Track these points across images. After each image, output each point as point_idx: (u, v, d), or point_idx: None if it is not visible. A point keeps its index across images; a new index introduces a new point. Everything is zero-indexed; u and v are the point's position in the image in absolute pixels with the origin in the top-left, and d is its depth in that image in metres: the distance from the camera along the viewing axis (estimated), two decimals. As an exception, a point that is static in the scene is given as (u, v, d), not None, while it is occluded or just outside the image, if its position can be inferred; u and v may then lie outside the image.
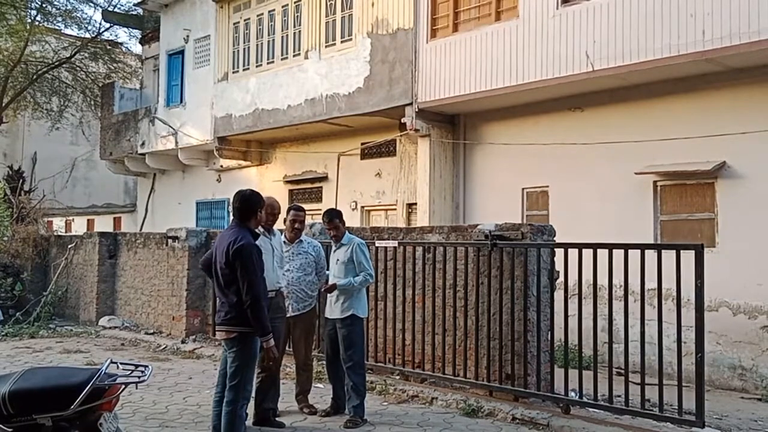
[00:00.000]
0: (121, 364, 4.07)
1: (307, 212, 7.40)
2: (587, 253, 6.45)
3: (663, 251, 6.09)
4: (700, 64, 9.39)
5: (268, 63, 15.62)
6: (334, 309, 6.61)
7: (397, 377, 8.01)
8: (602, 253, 6.36)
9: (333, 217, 6.70)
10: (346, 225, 6.93)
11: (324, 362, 7.06)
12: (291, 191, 16.44)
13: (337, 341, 6.58)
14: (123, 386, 3.88)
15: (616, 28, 9.88)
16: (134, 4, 21.14)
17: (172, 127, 18.07)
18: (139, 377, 3.90)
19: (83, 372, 3.91)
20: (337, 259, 6.65)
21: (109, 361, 3.99)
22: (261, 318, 4.92)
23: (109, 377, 3.83)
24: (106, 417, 3.80)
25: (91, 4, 21.68)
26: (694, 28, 9.10)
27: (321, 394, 7.23)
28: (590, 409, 6.49)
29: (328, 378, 6.90)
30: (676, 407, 5.88)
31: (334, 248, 6.76)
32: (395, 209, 14.10)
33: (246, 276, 4.91)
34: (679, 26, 9.25)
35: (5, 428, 3.63)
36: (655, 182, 10.37)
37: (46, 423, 3.63)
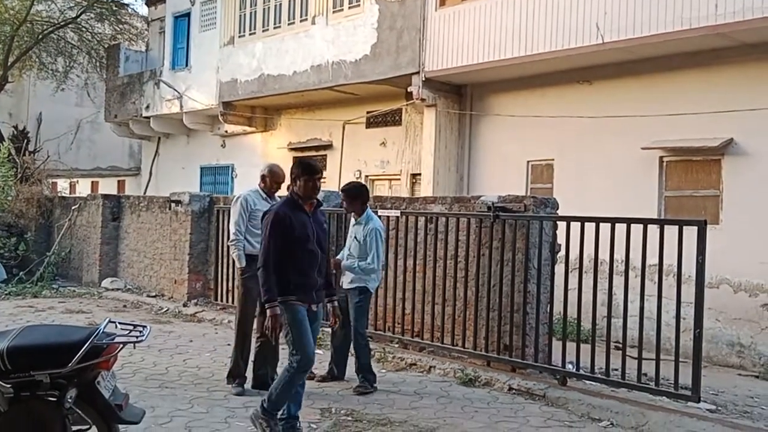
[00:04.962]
0: (119, 323, 4.08)
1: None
2: (589, 227, 6.44)
3: (666, 227, 6.06)
4: (711, 39, 9.25)
5: (274, 28, 15.46)
6: (345, 278, 6.63)
7: (396, 345, 8.05)
8: (604, 227, 6.34)
9: (347, 195, 6.68)
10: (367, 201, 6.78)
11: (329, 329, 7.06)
12: (295, 158, 16.36)
13: (347, 310, 6.59)
14: (121, 345, 3.89)
15: (628, -1, 9.73)
16: (141, -35, 20.93)
17: (177, 91, 17.97)
18: (137, 337, 3.91)
19: (82, 330, 3.93)
20: (354, 236, 6.66)
21: (107, 320, 4.00)
22: (264, 283, 4.90)
23: (107, 336, 3.84)
24: (103, 375, 3.82)
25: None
26: (707, 2, 8.95)
27: (319, 359, 7.24)
28: (587, 382, 6.52)
29: (332, 344, 6.91)
30: (673, 381, 5.91)
31: (353, 222, 6.76)
32: (399, 179, 14.06)
33: (262, 241, 5.02)
34: (691, -1, 9.12)
35: (4, 384, 3.66)
36: (661, 158, 10.30)
37: (44, 380, 3.64)
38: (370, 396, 6.32)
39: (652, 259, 6.01)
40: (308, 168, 5.12)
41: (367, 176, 14.65)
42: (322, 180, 5.24)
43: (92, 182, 24.63)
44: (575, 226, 6.59)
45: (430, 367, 7.33)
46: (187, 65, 18.05)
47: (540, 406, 6.20)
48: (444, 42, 12.10)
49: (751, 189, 9.34)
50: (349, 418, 5.58)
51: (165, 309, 10.98)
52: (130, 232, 13.38)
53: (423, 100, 12.50)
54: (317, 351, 7.40)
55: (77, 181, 24.90)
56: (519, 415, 5.91)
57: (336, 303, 5.47)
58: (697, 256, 5.67)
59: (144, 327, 4.00)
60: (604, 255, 6.32)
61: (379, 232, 6.63)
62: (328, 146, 15.51)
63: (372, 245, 6.53)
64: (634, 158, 10.40)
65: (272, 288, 4.88)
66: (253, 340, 6.52)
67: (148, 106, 19.20)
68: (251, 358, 6.49)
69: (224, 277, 10.62)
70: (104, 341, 3.79)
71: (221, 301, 10.74)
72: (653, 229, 6.09)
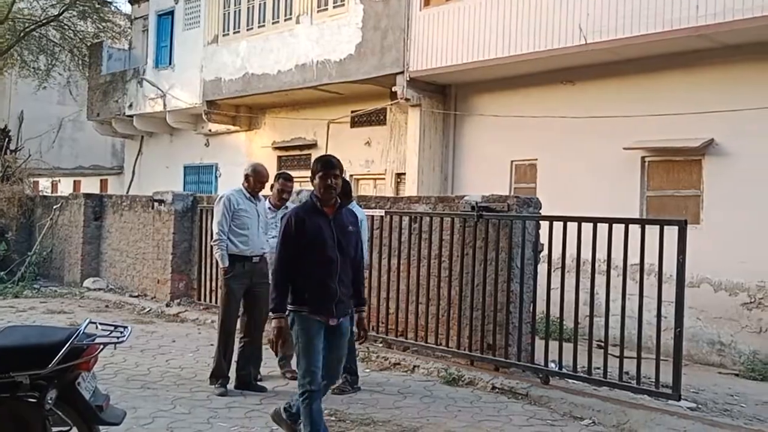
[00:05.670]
0: (100, 324, 4.05)
1: (295, 179, 7.42)
2: (572, 227, 6.48)
3: (647, 226, 6.11)
4: (693, 40, 9.33)
5: (258, 27, 15.41)
6: None
7: (380, 345, 8.05)
8: (587, 227, 6.38)
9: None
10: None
11: None
12: (279, 158, 16.34)
13: None
14: (101, 346, 3.85)
15: (610, 1, 9.79)
16: (124, -37, 20.77)
17: (160, 89, 17.87)
18: (117, 338, 3.88)
19: (62, 331, 3.89)
20: None
21: (87, 321, 3.97)
22: (272, 291, 4.64)
23: (87, 337, 3.80)
24: (84, 376, 3.78)
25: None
26: (688, 3, 9.03)
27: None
28: (569, 380, 6.56)
29: None
30: (654, 380, 5.96)
31: None
32: (384, 178, 14.06)
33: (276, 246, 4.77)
34: (673, 1, 9.18)
35: (-17, 385, 3.62)
36: (643, 158, 10.38)
37: (24, 381, 3.60)
38: (354, 396, 6.31)
39: (634, 258, 6.05)
40: (322, 163, 4.62)
41: (351, 175, 14.61)
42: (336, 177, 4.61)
43: (74, 181, 24.43)
44: (558, 226, 6.63)
45: (414, 366, 7.34)
46: (170, 64, 17.95)
47: (523, 404, 6.23)
48: (428, 42, 12.12)
49: (732, 189, 9.44)
50: (333, 418, 5.57)
51: (147, 309, 10.92)
52: (113, 232, 13.29)
53: (407, 99, 12.52)
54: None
55: (59, 180, 24.70)
56: (502, 414, 5.93)
57: (363, 315, 4.81)
58: (677, 256, 5.72)
59: (125, 327, 3.97)
60: (586, 254, 6.35)
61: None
62: (313, 145, 15.47)
63: None
64: (617, 158, 10.47)
65: (279, 297, 4.53)
66: (236, 340, 6.51)
67: (131, 105, 19.07)
68: (234, 358, 6.48)
69: (207, 277, 10.57)
70: (85, 342, 3.76)
71: (204, 301, 10.69)
72: (635, 229, 6.14)
